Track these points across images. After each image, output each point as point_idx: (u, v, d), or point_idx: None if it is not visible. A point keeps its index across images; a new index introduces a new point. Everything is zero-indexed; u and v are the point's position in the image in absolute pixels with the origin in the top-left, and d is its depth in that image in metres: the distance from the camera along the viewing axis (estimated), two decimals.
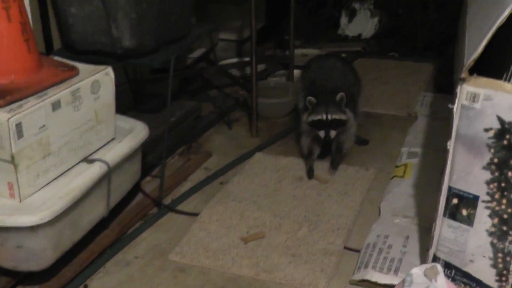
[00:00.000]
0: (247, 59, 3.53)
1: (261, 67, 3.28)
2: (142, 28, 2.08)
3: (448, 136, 1.56)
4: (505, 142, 1.44)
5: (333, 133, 2.33)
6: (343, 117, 2.34)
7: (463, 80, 1.47)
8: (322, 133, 2.33)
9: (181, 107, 2.73)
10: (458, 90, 1.49)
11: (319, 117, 2.32)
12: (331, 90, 2.36)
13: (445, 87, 3.12)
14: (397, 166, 2.43)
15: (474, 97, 1.46)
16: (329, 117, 2.31)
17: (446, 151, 1.58)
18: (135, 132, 2.04)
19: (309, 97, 2.33)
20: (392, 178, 2.35)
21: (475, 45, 1.52)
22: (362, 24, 4.19)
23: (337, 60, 2.67)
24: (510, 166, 1.45)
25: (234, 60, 3.55)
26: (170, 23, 2.22)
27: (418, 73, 3.42)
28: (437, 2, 3.94)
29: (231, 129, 2.82)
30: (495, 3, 1.61)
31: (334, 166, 2.43)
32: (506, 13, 1.40)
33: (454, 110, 1.51)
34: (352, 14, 4.18)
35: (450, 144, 1.55)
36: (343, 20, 4.24)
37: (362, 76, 2.96)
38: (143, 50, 2.12)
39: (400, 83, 3.28)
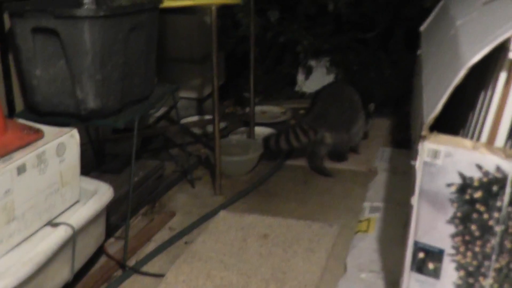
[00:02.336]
0: (208, 117, 3.59)
1: (222, 124, 3.34)
2: (107, 90, 2.10)
3: (410, 191, 1.62)
4: (467, 196, 1.50)
5: None
6: None
7: (424, 138, 1.54)
8: None
9: (144, 167, 2.73)
10: (419, 147, 1.56)
11: None
12: None
13: (402, 142, 3.23)
14: (360, 221, 2.47)
15: (435, 154, 1.53)
16: None
17: (410, 207, 1.63)
18: (100, 193, 2.04)
19: None
20: (356, 233, 2.39)
21: (433, 104, 1.60)
22: (319, 81, 4.30)
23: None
24: (473, 219, 1.51)
25: (195, 118, 3.59)
26: (134, 84, 2.25)
27: (376, 129, 3.52)
28: (390, 59, 4.12)
29: (194, 187, 2.83)
30: (450, 62, 1.71)
31: None
32: (461, 74, 1.48)
33: (417, 166, 1.57)
34: (308, 71, 4.30)
35: (414, 200, 1.60)
36: (300, 77, 4.35)
37: None
38: (107, 111, 2.14)
39: None
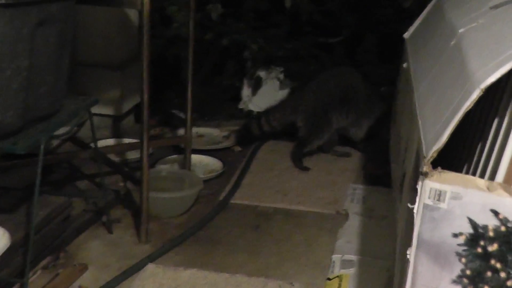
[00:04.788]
0: (128, 140, 3.55)
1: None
2: (3, 102, 2.04)
3: (396, 241, 1.63)
4: (479, 249, 1.53)
5: None
6: None
7: (425, 175, 1.56)
8: None
9: (45, 205, 2.65)
10: (419, 186, 1.58)
11: None
12: None
13: (378, 177, 3.28)
14: (329, 279, 2.48)
15: (439, 196, 1.55)
16: None
17: (404, 261, 1.65)
18: None
19: None
20: None
21: (435, 132, 1.63)
22: (269, 97, 4.30)
23: None
24: (487, 279, 1.53)
25: (111, 141, 3.54)
26: (40, 96, 2.20)
27: (343, 160, 3.57)
28: (359, 72, 4.17)
29: (111, 232, 2.77)
30: (455, 81, 1.75)
31: None
32: (474, 96, 1.51)
33: (415, 211, 1.59)
34: (256, 84, 4.30)
35: (411, 253, 1.61)
36: (246, 91, 4.35)
37: (274, 164, 3.50)
38: (4, 130, 2.08)
39: (323, 172, 3.41)
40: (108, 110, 3.67)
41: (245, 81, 4.34)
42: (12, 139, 2.11)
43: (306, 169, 3.48)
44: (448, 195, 1.54)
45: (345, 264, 2.56)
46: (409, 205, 1.61)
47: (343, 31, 4.61)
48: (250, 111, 4.28)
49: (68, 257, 2.59)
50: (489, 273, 1.53)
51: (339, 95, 3.60)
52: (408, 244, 1.64)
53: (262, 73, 4.30)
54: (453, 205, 1.54)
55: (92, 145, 3.30)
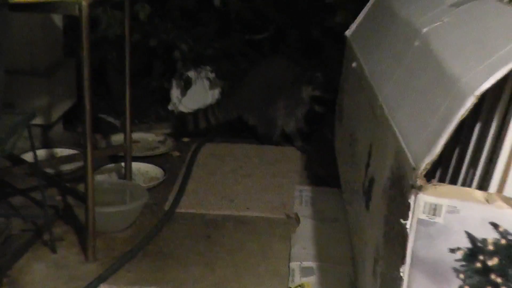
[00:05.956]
0: (59, 149, 3.36)
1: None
2: None
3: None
4: (478, 264, 1.45)
5: None
6: None
7: (419, 189, 1.47)
8: None
9: None
10: (411, 200, 1.48)
11: None
12: None
13: (323, 178, 3.21)
14: None
15: (434, 210, 1.46)
16: None
17: (396, 279, 1.56)
18: None
19: None
20: None
21: (425, 143, 1.53)
22: (199, 98, 4.19)
23: None
24: None
25: (42, 151, 3.33)
26: None
27: (285, 161, 3.47)
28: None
29: (55, 252, 2.58)
30: (435, 85, 1.66)
31: None
32: (469, 104, 1.43)
33: (408, 226, 1.50)
34: (186, 85, 4.16)
35: (404, 271, 1.52)
36: (175, 92, 4.22)
37: (215, 169, 3.40)
38: None
39: (267, 174, 3.32)
40: (36, 120, 3.44)
41: (174, 82, 4.20)
42: None
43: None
44: (444, 209, 1.46)
45: (305, 271, 2.47)
46: (401, 220, 1.51)
47: (269, 27, 4.54)
48: (181, 112, 4.14)
49: (11, 283, 2.40)
50: None
51: (274, 85, 3.69)
52: (394, 259, 1.56)
53: (191, 73, 4.17)
54: (449, 219, 1.46)
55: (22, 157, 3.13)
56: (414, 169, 1.51)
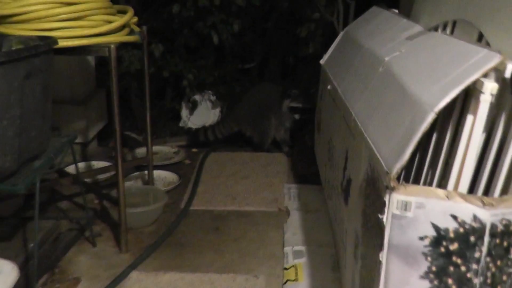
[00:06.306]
0: (96, 162, 3.29)
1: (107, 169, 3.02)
2: (2, 149, 1.77)
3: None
4: (442, 249, 1.40)
5: None
6: None
7: (392, 189, 1.42)
8: None
9: (38, 229, 2.36)
10: (386, 199, 1.43)
11: None
12: None
13: (306, 177, 3.15)
14: (286, 269, 2.32)
15: (405, 206, 1.41)
16: None
17: (377, 263, 1.50)
18: (3, 275, 1.69)
19: None
20: (285, 282, 2.23)
21: (395, 151, 1.48)
22: (204, 116, 4.15)
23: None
24: (450, 273, 1.40)
25: (82, 164, 3.26)
26: (31, 139, 1.93)
27: (275, 164, 3.41)
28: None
29: (95, 246, 2.51)
30: (398, 103, 1.61)
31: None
32: (430, 119, 1.38)
33: (384, 220, 1.44)
34: (193, 106, 4.11)
35: (383, 256, 1.47)
36: (184, 112, 4.16)
37: (219, 173, 3.30)
38: (4, 173, 1.81)
39: (261, 176, 3.25)
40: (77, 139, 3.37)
41: (183, 104, 4.14)
42: (12, 180, 1.84)
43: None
44: (413, 205, 1.40)
45: (297, 254, 2.41)
46: (379, 215, 1.46)
47: (255, 57, 4.50)
48: (189, 128, 4.08)
49: (61, 272, 2.33)
50: (451, 268, 1.41)
51: (265, 104, 3.66)
52: (373, 245, 1.51)
53: (197, 97, 4.11)
54: (417, 213, 1.40)
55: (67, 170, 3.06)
56: (387, 173, 1.46)
